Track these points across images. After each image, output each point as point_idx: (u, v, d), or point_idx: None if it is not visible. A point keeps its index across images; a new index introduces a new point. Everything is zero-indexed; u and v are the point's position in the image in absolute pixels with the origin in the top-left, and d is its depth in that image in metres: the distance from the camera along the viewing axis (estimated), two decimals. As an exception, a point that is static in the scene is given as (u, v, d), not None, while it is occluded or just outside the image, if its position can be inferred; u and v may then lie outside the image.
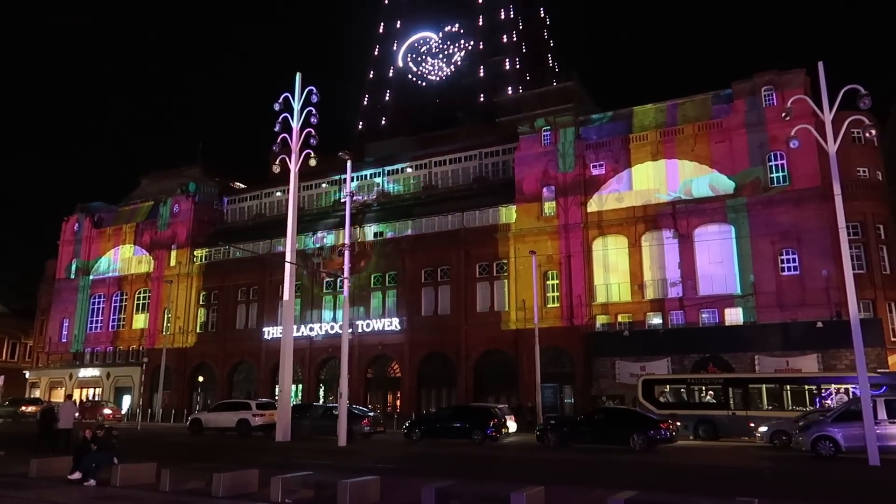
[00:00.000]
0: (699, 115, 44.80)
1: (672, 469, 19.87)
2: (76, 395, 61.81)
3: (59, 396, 62.47)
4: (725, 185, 42.28)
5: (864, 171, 41.10)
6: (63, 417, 23.93)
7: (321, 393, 52.12)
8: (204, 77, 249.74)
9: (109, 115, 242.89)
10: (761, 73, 42.80)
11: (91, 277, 65.75)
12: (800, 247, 39.57)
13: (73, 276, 66.88)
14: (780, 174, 41.22)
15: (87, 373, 62.76)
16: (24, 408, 49.24)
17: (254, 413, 34.03)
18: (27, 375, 67.75)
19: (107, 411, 49.18)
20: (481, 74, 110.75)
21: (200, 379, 56.79)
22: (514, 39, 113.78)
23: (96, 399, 53.99)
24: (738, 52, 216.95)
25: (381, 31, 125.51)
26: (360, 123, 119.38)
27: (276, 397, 35.26)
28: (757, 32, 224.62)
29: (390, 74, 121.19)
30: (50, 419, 25.13)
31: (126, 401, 59.12)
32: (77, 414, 26.03)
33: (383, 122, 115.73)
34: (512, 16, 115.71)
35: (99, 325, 64.63)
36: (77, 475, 16.12)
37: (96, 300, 65.32)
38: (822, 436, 21.76)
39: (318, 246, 53.08)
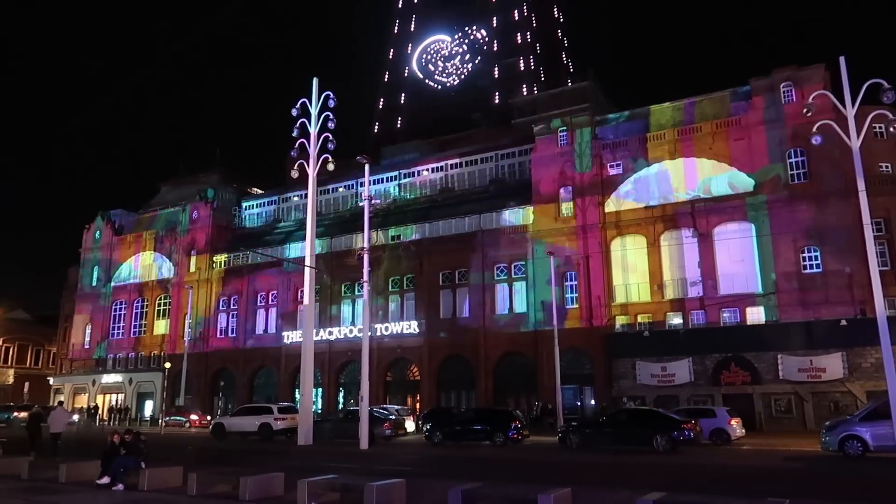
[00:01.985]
0: (717, 112, 44.45)
1: (698, 470, 19.70)
2: (99, 401, 62.66)
3: (82, 402, 63.34)
4: (745, 182, 41.91)
5: (886, 167, 40.55)
6: (55, 422, 25.01)
7: (341, 397, 52.31)
8: (221, 83, 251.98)
9: (129, 123, 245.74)
10: (780, 69, 42.37)
11: (112, 284, 66.51)
12: (822, 244, 39.09)
13: (94, 283, 67.69)
14: (801, 171, 40.78)
15: (109, 379, 63.49)
16: (16, 413, 49.99)
17: (276, 417, 34.23)
18: (51, 382, 68.70)
19: (193, 417, 49.09)
20: (496, 76, 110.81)
21: (221, 384, 57.20)
22: (529, 40, 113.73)
23: (182, 404, 53.76)
24: (756, 48, 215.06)
25: (395, 35, 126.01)
26: (376, 127, 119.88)
27: (298, 401, 35.42)
28: (775, 29, 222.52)
29: (405, 78, 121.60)
30: (38, 423, 25.90)
31: (149, 406, 59.70)
32: (69, 419, 27.37)
33: (399, 125, 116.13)
34: (526, 16, 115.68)
35: (121, 331, 65.36)
36: (105, 480, 16.31)
37: (118, 306, 66.06)
38: (849, 435, 21.43)
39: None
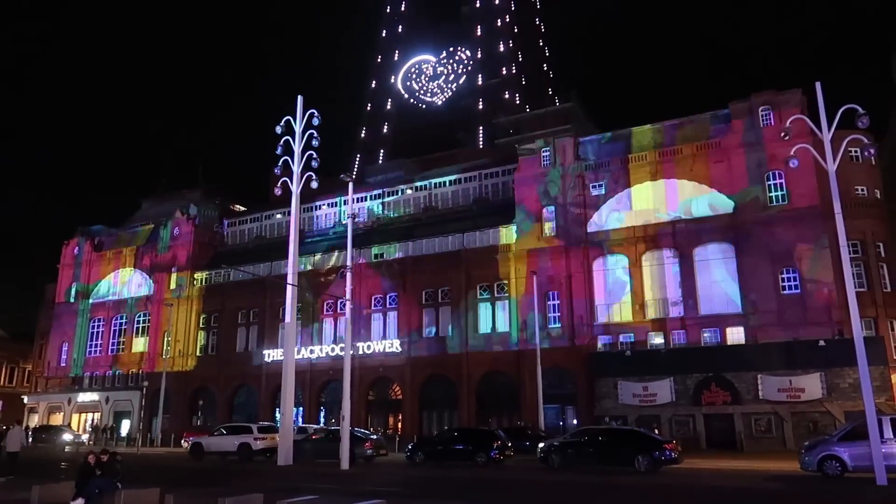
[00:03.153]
0: (697, 135, 45.06)
1: (679, 491, 19.70)
2: (74, 421, 61.50)
3: (56, 421, 62.11)
4: (725, 204, 42.45)
5: (862, 190, 41.31)
6: (11, 442, 25.23)
7: (322, 416, 51.81)
8: (205, 99, 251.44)
9: (110, 138, 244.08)
10: (758, 93, 43.17)
11: (91, 301, 65.62)
12: (800, 265, 39.63)
13: (72, 300, 66.74)
14: (779, 193, 41.41)
15: (85, 397, 62.37)
16: None
17: (255, 437, 33.74)
18: (25, 400, 67.31)
19: None
20: (480, 96, 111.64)
21: (200, 403, 56.44)
22: (513, 61, 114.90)
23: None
24: (735, 72, 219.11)
25: (380, 55, 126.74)
26: (361, 146, 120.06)
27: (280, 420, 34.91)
28: (752, 53, 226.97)
29: (390, 97, 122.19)
30: None
31: (125, 425, 58.68)
32: (25, 438, 27.57)
33: (383, 144, 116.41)
34: (510, 39, 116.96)
35: (98, 348, 64.37)
36: (80, 501, 15.91)
37: (96, 324, 65.12)
38: (828, 455, 21.57)
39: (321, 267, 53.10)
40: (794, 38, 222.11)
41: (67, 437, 51.27)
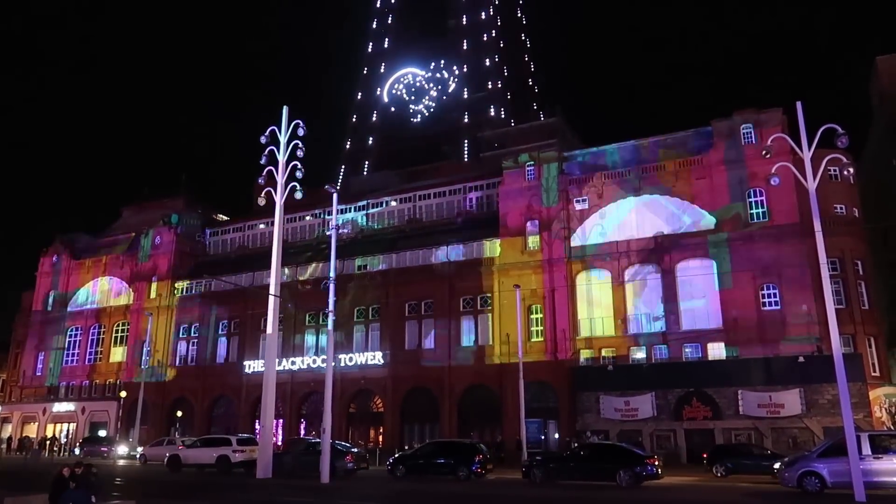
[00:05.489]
0: (680, 151, 45.56)
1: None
2: (49, 431, 60.41)
3: (31, 431, 60.95)
4: (706, 220, 42.87)
5: (841, 208, 41.93)
6: None
7: (302, 428, 51.32)
8: (188, 108, 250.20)
9: (91, 145, 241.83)
10: (740, 111, 43.76)
11: (69, 309, 64.66)
12: (780, 282, 40.07)
13: (50, 309, 65.73)
14: (760, 210, 41.92)
15: (61, 407, 61.29)
16: None
17: (234, 449, 33.26)
18: (-1, 410, 66.03)
19: None
20: (466, 110, 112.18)
21: (179, 414, 55.68)
22: (499, 76, 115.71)
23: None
24: (716, 90, 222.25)
25: (367, 65, 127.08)
26: (346, 157, 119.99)
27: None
28: (735, 72, 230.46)
29: (375, 110, 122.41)
30: None
31: (101, 436, 57.65)
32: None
33: (368, 156, 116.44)
34: (496, 53, 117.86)
35: (75, 358, 63.37)
36: (53, 514, 15.59)
37: (73, 333, 64.15)
38: (807, 471, 21.70)
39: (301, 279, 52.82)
40: (775, 56, 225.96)
41: (123, 449, 48.83)
